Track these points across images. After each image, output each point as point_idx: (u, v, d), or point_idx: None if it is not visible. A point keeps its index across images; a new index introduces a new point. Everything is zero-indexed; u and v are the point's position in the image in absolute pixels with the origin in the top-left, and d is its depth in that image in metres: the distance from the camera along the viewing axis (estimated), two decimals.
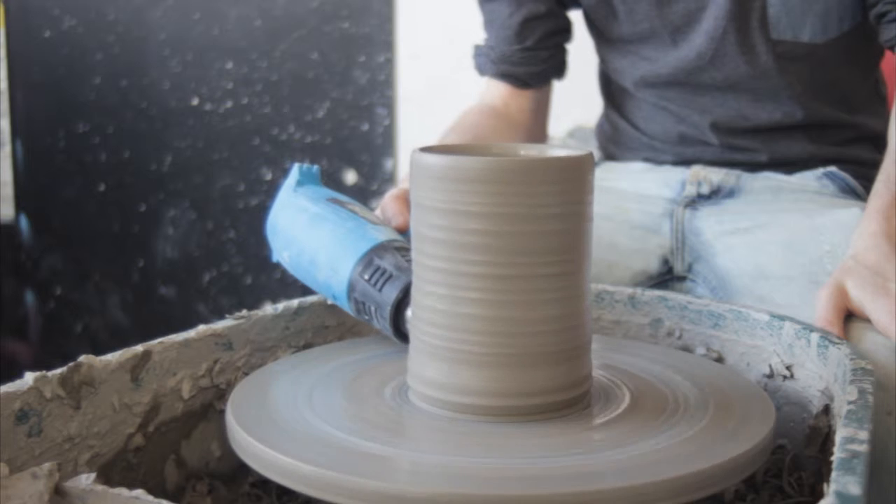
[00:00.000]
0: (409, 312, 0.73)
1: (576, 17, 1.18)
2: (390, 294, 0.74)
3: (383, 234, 0.78)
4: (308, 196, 0.84)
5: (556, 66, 1.18)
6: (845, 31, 1.03)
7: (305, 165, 0.86)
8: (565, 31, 1.18)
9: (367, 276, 0.76)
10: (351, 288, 0.77)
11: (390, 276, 0.75)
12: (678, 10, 1.04)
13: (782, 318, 0.78)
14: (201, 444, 0.76)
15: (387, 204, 0.87)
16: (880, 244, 0.83)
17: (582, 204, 0.64)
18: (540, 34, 1.14)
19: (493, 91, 1.17)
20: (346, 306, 0.79)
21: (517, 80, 1.16)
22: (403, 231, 0.82)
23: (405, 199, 0.83)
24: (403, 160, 1.99)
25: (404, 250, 0.76)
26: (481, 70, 1.18)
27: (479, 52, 1.18)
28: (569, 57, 1.20)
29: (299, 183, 0.86)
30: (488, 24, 1.17)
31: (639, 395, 0.68)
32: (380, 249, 0.77)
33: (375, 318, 0.76)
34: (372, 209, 0.87)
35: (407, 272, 0.74)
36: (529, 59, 1.15)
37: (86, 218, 2.26)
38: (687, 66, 1.06)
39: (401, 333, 0.75)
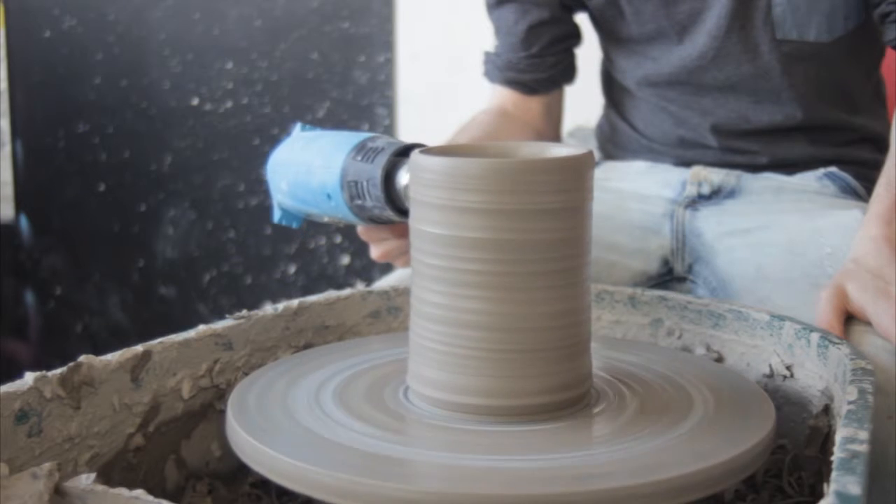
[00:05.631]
0: (401, 179, 0.73)
1: (581, 17, 1.18)
2: (382, 160, 0.74)
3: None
4: (310, 132, 0.87)
5: (564, 72, 1.18)
6: (850, 30, 1.03)
7: (308, 126, 0.88)
8: (573, 36, 1.17)
9: (360, 158, 0.76)
10: (344, 175, 0.77)
11: (382, 150, 0.75)
12: (684, 10, 1.04)
13: (782, 318, 0.78)
14: (201, 444, 0.76)
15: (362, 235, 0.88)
16: (881, 248, 0.83)
17: (582, 203, 0.64)
18: (546, 40, 1.14)
19: (501, 97, 1.17)
20: (341, 201, 0.78)
21: (524, 86, 1.16)
22: (381, 261, 0.86)
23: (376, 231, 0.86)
24: None
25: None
26: (489, 77, 1.18)
27: (487, 59, 1.18)
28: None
29: (302, 128, 0.88)
30: (496, 31, 1.17)
31: (639, 395, 0.68)
32: (373, 138, 0.77)
33: (368, 195, 0.75)
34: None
35: (400, 142, 0.75)
36: (536, 65, 1.15)
37: (86, 218, 2.26)
38: (689, 65, 1.06)
39: (395, 205, 0.75)
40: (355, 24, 2.03)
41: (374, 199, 0.75)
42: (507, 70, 1.16)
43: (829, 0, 1.01)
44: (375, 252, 0.89)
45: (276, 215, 0.89)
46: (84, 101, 2.21)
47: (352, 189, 0.76)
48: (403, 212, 0.74)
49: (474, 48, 1.22)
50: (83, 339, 2.28)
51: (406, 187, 0.72)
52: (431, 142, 0.74)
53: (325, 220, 0.85)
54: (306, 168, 0.81)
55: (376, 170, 0.74)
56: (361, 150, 0.76)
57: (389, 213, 0.75)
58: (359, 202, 0.77)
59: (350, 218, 0.80)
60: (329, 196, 0.79)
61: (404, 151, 0.75)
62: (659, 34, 1.07)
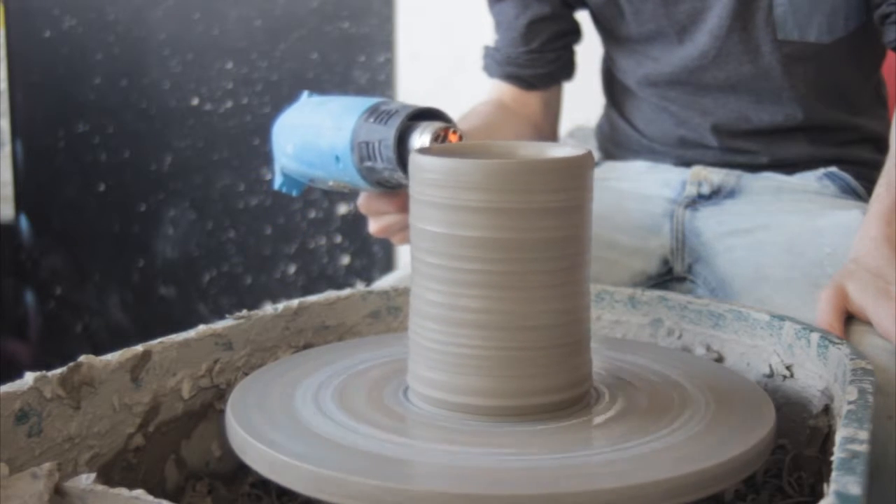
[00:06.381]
0: (415, 140, 0.73)
1: (581, 16, 1.18)
2: (396, 121, 0.74)
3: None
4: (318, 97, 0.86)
5: (563, 68, 1.18)
6: (850, 31, 1.03)
7: (315, 94, 0.88)
8: (573, 33, 1.17)
9: (372, 119, 0.76)
10: (355, 135, 0.76)
11: (396, 112, 0.75)
12: (684, 10, 1.04)
13: (782, 318, 0.78)
14: (201, 444, 0.76)
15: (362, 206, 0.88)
16: (881, 248, 0.83)
17: (581, 203, 0.64)
18: (546, 36, 1.14)
19: (500, 91, 1.18)
20: (350, 163, 0.78)
21: (523, 81, 1.16)
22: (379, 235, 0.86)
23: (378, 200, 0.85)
24: None
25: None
26: (488, 72, 1.18)
27: (487, 53, 1.18)
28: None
29: (310, 94, 0.88)
30: (497, 26, 1.17)
31: (638, 395, 0.68)
32: (387, 101, 0.77)
33: (380, 156, 0.75)
34: None
35: (413, 106, 0.74)
36: (535, 61, 1.15)
37: (86, 218, 2.26)
38: (690, 64, 1.06)
39: (406, 169, 0.73)
40: (355, 24, 2.03)
41: (385, 160, 0.75)
42: (507, 65, 1.16)
43: (830, 1, 1.01)
44: (374, 226, 0.89)
45: (278, 181, 0.89)
46: (84, 101, 2.21)
47: (363, 150, 0.76)
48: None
49: (475, 48, 1.22)
50: (83, 339, 2.28)
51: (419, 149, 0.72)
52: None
53: (330, 184, 0.84)
54: (315, 130, 0.80)
55: (390, 131, 0.74)
56: (374, 112, 0.76)
57: (400, 176, 0.75)
58: (369, 164, 0.76)
59: (357, 181, 0.79)
60: (338, 158, 0.78)
61: (418, 115, 0.75)
62: (659, 34, 1.07)
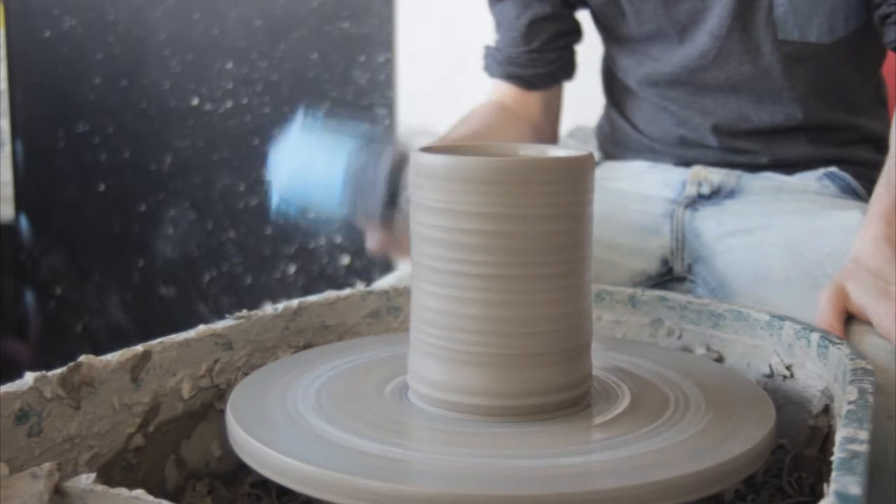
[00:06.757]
0: (407, 182, 0.74)
1: (582, 15, 1.18)
2: (387, 162, 0.75)
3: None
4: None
5: (564, 68, 1.18)
6: (851, 31, 1.03)
7: (312, 112, 0.88)
8: (573, 33, 1.17)
9: (364, 156, 0.77)
10: (347, 172, 0.77)
11: (388, 151, 0.76)
12: (684, 10, 1.04)
13: (782, 317, 0.78)
14: (201, 444, 0.76)
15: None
16: (882, 248, 0.82)
17: (582, 204, 0.64)
18: (547, 36, 1.14)
19: (501, 91, 1.18)
20: (343, 197, 0.79)
21: (523, 81, 1.16)
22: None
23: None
24: None
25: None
26: (489, 71, 1.18)
27: (487, 53, 1.18)
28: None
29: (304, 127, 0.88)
30: (497, 25, 1.17)
31: (639, 395, 0.68)
32: (380, 138, 0.79)
33: (371, 195, 0.76)
34: None
35: (407, 145, 0.75)
36: (536, 60, 1.15)
37: (86, 218, 2.26)
38: (690, 64, 1.06)
39: (397, 207, 0.76)
40: (355, 24, 2.03)
41: (376, 198, 0.75)
42: (507, 64, 1.16)
43: (830, 1, 1.01)
44: (370, 242, 0.89)
45: (274, 201, 0.89)
46: (84, 101, 2.21)
47: (355, 187, 0.77)
48: (405, 213, 0.74)
49: (475, 48, 1.22)
50: (83, 339, 2.28)
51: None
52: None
53: (324, 213, 0.85)
54: (308, 161, 0.81)
55: (381, 171, 0.74)
56: (366, 149, 0.77)
57: (390, 214, 0.75)
58: (361, 201, 0.77)
59: (351, 215, 0.80)
60: (331, 192, 0.79)
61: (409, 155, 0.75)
62: (659, 33, 1.07)
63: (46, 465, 0.58)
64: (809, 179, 1.08)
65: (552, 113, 1.21)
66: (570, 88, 1.23)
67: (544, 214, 0.62)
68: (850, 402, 0.61)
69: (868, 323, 0.79)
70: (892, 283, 0.79)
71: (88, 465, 0.66)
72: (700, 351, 0.83)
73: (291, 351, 0.82)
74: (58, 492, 0.57)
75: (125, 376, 0.69)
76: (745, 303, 0.91)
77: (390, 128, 2.03)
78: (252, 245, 2.15)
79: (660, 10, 1.05)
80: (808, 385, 0.75)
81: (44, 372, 0.63)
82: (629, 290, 0.87)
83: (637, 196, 1.09)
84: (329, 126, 0.85)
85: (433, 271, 0.64)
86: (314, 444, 0.60)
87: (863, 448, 0.53)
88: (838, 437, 0.55)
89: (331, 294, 0.85)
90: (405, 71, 2.02)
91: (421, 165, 0.64)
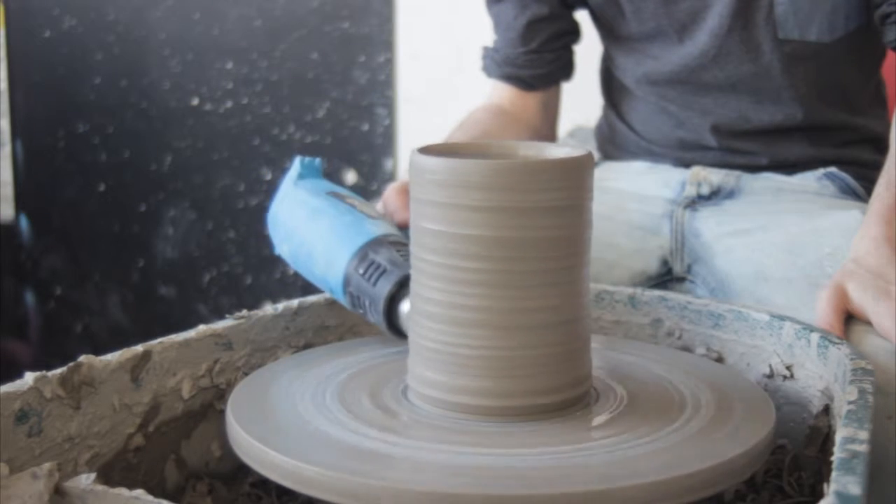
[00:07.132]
0: (403, 307, 0.73)
1: (581, 15, 1.18)
2: (384, 288, 0.75)
3: (380, 229, 0.79)
4: (308, 189, 0.85)
5: (562, 68, 1.18)
6: (851, 31, 1.03)
7: (308, 158, 0.88)
8: (572, 33, 1.17)
9: (361, 271, 0.76)
10: (346, 282, 0.78)
11: (385, 271, 0.75)
12: (684, 8, 1.04)
13: (782, 318, 0.78)
14: (201, 444, 0.76)
15: (389, 198, 0.87)
16: (881, 248, 0.82)
17: (582, 203, 0.64)
18: (545, 36, 1.14)
19: (499, 93, 1.17)
20: (343, 300, 0.79)
21: (522, 82, 1.16)
22: (404, 227, 0.82)
23: (407, 193, 0.84)
24: (403, 160, 1.99)
25: (400, 245, 0.77)
26: (487, 72, 1.18)
27: (486, 53, 1.18)
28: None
29: (301, 176, 0.87)
30: (495, 26, 1.17)
31: (639, 395, 0.68)
32: (375, 244, 0.77)
33: (370, 312, 0.77)
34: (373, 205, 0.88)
35: (402, 267, 0.74)
36: (534, 61, 1.15)
37: (86, 218, 2.26)
38: (690, 63, 1.06)
39: (395, 328, 0.75)
40: (355, 24, 2.03)
41: (374, 315, 0.77)
42: (506, 65, 1.16)
43: (830, 0, 1.01)
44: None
45: (276, 251, 0.89)
46: (84, 101, 2.21)
47: (353, 299, 0.78)
48: (402, 334, 0.74)
49: (474, 48, 1.22)
50: (83, 339, 2.28)
51: (407, 316, 0.72)
52: (432, 142, 0.74)
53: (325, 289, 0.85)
54: (308, 252, 0.81)
55: (379, 296, 0.75)
56: (363, 260, 0.76)
57: (385, 329, 0.76)
58: (360, 311, 0.78)
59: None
60: (331, 290, 0.81)
61: (406, 280, 0.73)
62: (659, 32, 1.07)
63: (46, 465, 0.58)
64: (809, 180, 1.08)
65: (550, 114, 1.21)
66: (569, 88, 1.23)
67: (544, 214, 0.62)
68: (850, 403, 0.61)
69: (868, 323, 0.79)
70: (892, 283, 0.79)
71: (88, 465, 0.66)
72: (700, 351, 0.83)
73: (291, 351, 0.82)
74: (58, 492, 0.57)
75: (125, 376, 0.69)
76: (745, 303, 0.91)
77: (388, 130, 2.03)
78: (252, 245, 2.15)
79: (660, 9, 1.05)
80: (808, 385, 0.75)
81: (44, 372, 0.63)
82: (629, 290, 0.87)
83: (636, 196, 1.09)
84: (325, 208, 0.82)
85: (433, 269, 0.64)
86: (314, 444, 0.60)
87: (863, 448, 0.53)
88: (838, 437, 0.55)
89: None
90: (405, 71, 2.02)
91: (421, 167, 0.64)
